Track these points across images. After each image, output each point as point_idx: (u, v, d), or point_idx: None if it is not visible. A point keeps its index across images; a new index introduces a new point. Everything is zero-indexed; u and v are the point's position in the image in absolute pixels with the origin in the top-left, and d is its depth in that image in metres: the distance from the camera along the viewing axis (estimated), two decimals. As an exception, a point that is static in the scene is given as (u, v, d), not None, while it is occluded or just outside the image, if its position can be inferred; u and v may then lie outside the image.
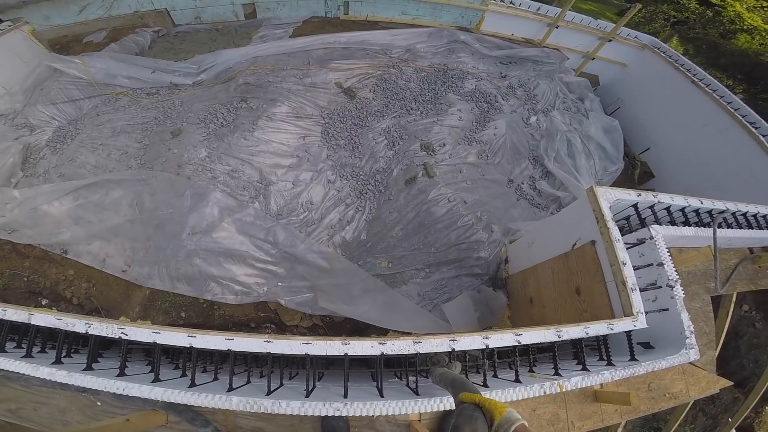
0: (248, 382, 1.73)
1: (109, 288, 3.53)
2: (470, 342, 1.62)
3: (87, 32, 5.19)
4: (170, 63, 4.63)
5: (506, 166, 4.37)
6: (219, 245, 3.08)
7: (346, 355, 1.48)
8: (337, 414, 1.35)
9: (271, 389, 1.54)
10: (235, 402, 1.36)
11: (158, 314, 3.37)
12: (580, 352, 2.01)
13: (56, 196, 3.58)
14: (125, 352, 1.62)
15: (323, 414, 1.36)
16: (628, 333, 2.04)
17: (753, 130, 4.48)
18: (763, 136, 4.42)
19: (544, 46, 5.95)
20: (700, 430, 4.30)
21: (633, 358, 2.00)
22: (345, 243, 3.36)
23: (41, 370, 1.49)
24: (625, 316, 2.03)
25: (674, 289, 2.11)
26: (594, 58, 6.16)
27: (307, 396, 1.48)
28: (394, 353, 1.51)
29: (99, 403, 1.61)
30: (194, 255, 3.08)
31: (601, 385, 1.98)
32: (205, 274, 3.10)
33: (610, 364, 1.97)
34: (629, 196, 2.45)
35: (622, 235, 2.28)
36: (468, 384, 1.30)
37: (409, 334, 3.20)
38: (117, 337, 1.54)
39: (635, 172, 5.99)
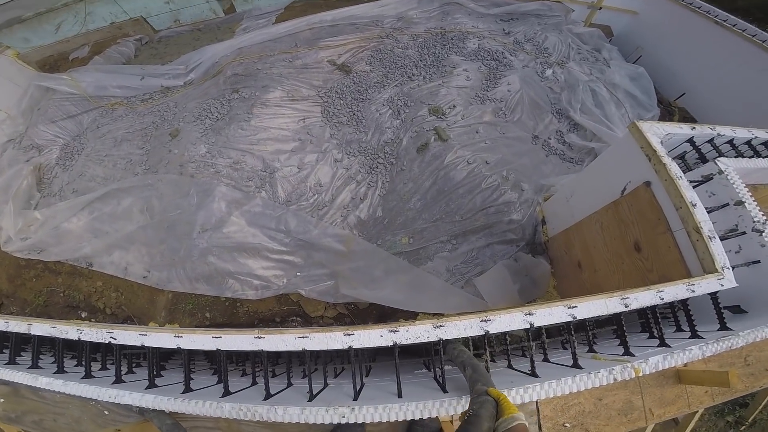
0: (254, 383, 1.59)
1: (136, 295, 3.62)
2: (508, 321, 1.32)
3: (71, 49, 5.32)
4: (158, 67, 4.64)
5: (528, 123, 4.04)
6: (231, 240, 3.00)
7: (350, 348, 1.29)
8: (343, 422, 1.16)
9: (271, 393, 1.38)
10: (227, 409, 1.23)
11: (184, 317, 3.38)
12: (654, 323, 1.62)
13: (73, 212, 3.70)
14: (119, 357, 1.59)
15: (326, 422, 1.17)
16: (714, 295, 1.63)
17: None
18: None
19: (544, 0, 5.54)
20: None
21: (724, 327, 1.60)
22: (360, 222, 3.20)
23: (40, 380, 1.49)
24: (706, 274, 1.62)
25: (764, 233, 1.72)
26: (601, 8, 5.67)
27: (310, 399, 1.31)
28: (410, 342, 1.29)
29: (106, 412, 1.64)
30: (208, 253, 3.02)
31: (685, 363, 1.57)
32: (221, 271, 3.04)
33: (695, 336, 1.58)
34: (681, 129, 2.11)
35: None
36: (488, 376, 1.19)
37: (441, 315, 3.02)
38: (107, 342, 1.49)
39: (674, 119, 5.49)
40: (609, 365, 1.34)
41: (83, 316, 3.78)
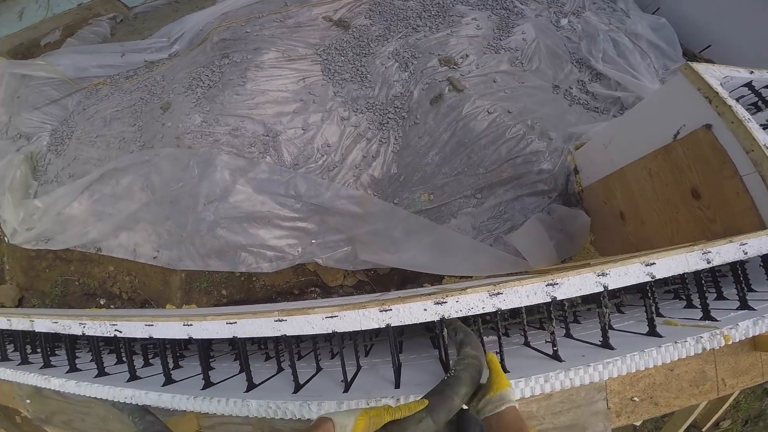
0: (280, 370, 1.47)
1: (149, 277, 3.66)
2: (579, 284, 1.15)
3: (40, 35, 5.23)
4: (138, 42, 4.55)
5: (547, 72, 3.96)
6: (239, 210, 2.96)
7: (389, 326, 1.12)
8: None
9: (300, 383, 1.25)
10: (254, 407, 1.10)
11: (201, 296, 3.42)
12: (737, 282, 1.45)
13: (73, 196, 3.70)
14: (129, 351, 1.53)
15: None
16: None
17: None
18: None
19: (553, -54, 5.40)
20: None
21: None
22: (375, 181, 3.14)
23: (52, 381, 1.49)
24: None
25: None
26: None
27: (346, 390, 1.19)
28: (461, 314, 1.11)
29: None
30: (216, 226, 2.99)
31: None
32: (232, 244, 3.01)
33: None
34: (739, 73, 2.02)
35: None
36: (479, 342, 1.10)
37: (468, 278, 2.98)
38: (112, 335, 1.42)
39: (700, 71, 5.38)
40: (690, 332, 1.21)
41: (102, 303, 3.89)
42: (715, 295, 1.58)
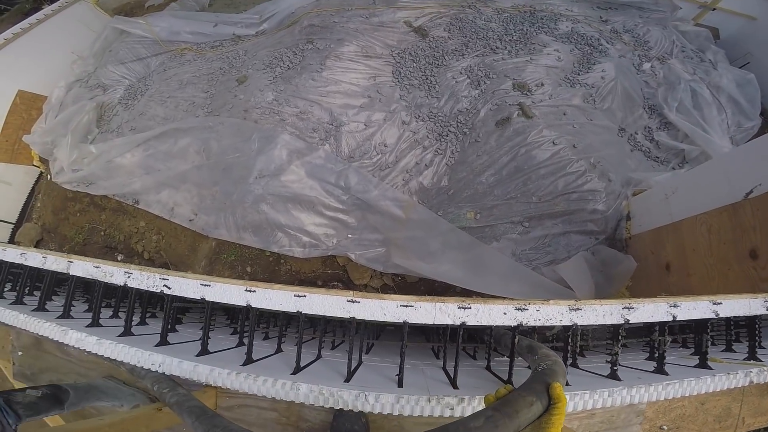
0: (318, 357, 1.48)
1: (177, 240, 3.85)
2: (652, 311, 1.25)
3: None
4: (232, 16, 5.02)
5: (617, 114, 3.96)
6: (287, 189, 3.15)
7: (463, 324, 1.16)
8: (447, 413, 1.05)
9: (352, 369, 1.23)
10: (303, 392, 1.07)
11: (224, 268, 3.57)
12: None
13: (128, 148, 4.02)
14: (168, 311, 1.42)
15: (424, 414, 1.06)
16: None
17: None
18: None
19: (650, -8, 5.48)
20: None
21: None
22: (423, 189, 3.25)
23: (70, 334, 1.33)
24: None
25: None
26: (714, 9, 5.47)
27: (400, 385, 1.20)
28: (538, 324, 1.19)
29: None
30: (261, 200, 3.19)
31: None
32: (272, 222, 3.19)
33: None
34: None
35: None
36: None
37: (502, 299, 2.96)
38: (159, 291, 1.34)
39: (774, 132, 5.18)
40: (737, 368, 1.32)
41: (119, 259, 4.07)
42: (756, 342, 1.68)
